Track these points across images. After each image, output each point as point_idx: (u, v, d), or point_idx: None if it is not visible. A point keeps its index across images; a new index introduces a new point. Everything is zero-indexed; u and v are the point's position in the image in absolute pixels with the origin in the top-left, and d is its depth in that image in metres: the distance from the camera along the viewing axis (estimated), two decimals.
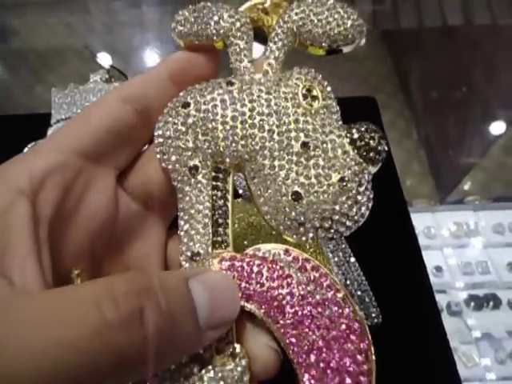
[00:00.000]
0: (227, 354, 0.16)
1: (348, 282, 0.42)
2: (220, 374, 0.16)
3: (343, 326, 0.16)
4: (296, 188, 0.17)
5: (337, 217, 0.17)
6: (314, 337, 0.16)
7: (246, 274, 0.17)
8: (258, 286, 0.16)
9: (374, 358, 0.16)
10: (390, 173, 0.50)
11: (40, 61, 0.92)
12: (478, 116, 0.99)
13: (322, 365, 0.16)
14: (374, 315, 0.40)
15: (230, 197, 0.18)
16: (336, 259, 0.43)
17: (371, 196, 0.18)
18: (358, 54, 1.07)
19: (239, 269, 0.17)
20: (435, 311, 0.43)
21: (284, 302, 0.16)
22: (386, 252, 0.45)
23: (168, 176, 0.18)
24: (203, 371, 0.16)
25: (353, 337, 0.16)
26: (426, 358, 0.40)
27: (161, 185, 0.18)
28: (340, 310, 0.16)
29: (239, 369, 0.16)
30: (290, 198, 0.17)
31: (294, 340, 0.16)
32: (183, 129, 0.18)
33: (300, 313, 0.16)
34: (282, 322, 0.16)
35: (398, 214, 0.48)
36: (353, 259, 0.42)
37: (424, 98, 1.05)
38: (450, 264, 0.73)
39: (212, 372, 0.16)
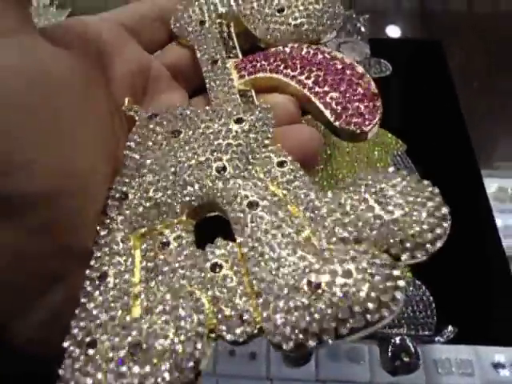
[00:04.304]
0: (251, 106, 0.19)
1: None
2: (251, 118, 0.18)
3: (351, 71, 0.19)
4: None
5: None
6: (329, 79, 0.19)
7: (261, 55, 0.21)
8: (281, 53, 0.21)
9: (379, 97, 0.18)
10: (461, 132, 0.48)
11: None
12: None
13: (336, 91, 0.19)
14: None
15: (234, 35, 0.22)
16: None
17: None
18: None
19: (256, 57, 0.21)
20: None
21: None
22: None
23: (193, 61, 0.22)
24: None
25: (362, 79, 0.19)
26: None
27: (187, 65, 0.23)
28: (351, 70, 0.19)
29: (265, 112, 0.18)
30: None
31: (308, 82, 0.19)
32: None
33: (312, 60, 0.20)
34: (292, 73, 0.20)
35: (469, 171, 0.45)
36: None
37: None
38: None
39: (245, 123, 0.18)
